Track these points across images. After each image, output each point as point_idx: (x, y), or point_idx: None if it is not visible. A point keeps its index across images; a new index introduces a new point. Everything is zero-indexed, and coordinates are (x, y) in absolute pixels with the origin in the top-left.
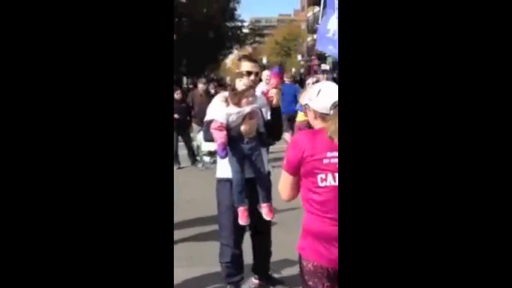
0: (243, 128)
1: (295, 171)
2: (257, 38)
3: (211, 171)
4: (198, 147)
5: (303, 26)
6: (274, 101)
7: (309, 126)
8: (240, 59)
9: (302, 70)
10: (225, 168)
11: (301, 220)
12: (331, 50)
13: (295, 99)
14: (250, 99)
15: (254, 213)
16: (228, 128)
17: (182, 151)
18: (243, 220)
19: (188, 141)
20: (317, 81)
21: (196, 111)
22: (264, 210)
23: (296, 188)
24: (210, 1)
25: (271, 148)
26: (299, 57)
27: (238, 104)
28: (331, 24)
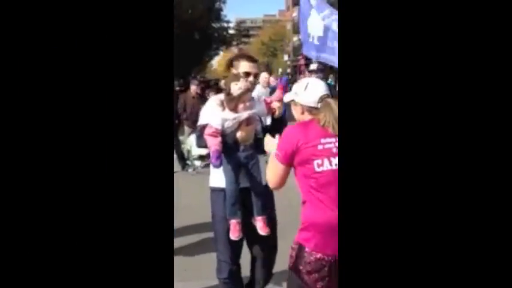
0: (239, 134)
1: (289, 161)
2: (243, 39)
3: (203, 175)
4: (189, 151)
5: (289, 26)
6: (277, 113)
7: None
8: (238, 59)
9: (289, 70)
10: (219, 177)
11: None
12: (314, 55)
13: None
14: (248, 104)
15: (249, 226)
16: (223, 134)
17: None
18: (234, 234)
19: (177, 145)
20: None
21: (188, 113)
22: (259, 224)
23: (285, 177)
24: (196, 2)
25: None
26: (285, 57)
27: (234, 109)
28: (311, 29)
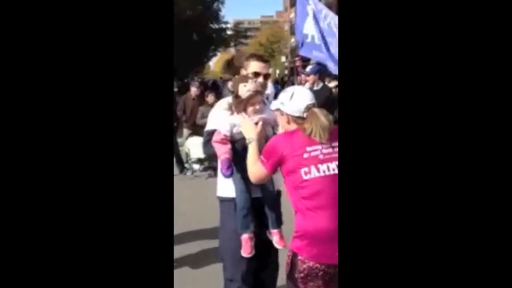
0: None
1: (273, 170)
2: (241, 40)
3: (201, 179)
4: (187, 154)
5: (286, 27)
6: None
7: None
8: (248, 58)
9: (286, 71)
10: (228, 185)
11: None
12: (317, 55)
13: None
14: (258, 107)
15: (259, 240)
16: (232, 140)
17: None
18: (246, 251)
19: (175, 148)
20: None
21: (188, 115)
22: (275, 238)
23: (267, 178)
24: (194, 2)
25: None
26: (283, 58)
27: (244, 113)
28: (307, 29)
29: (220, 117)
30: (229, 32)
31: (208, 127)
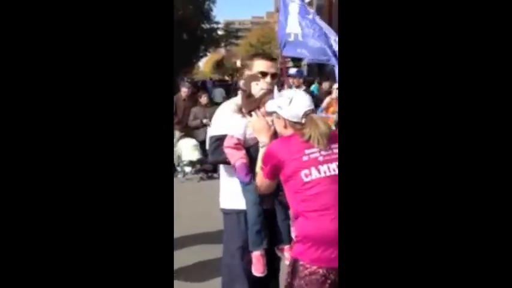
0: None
1: (273, 177)
2: (232, 40)
3: (193, 182)
4: (179, 156)
5: (277, 28)
6: None
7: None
8: (252, 57)
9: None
10: (233, 196)
11: None
12: (302, 52)
13: None
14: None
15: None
16: (245, 145)
17: None
18: (259, 270)
19: None
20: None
21: (179, 117)
22: (286, 254)
23: (272, 188)
24: (185, 2)
25: None
26: None
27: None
28: (290, 28)
29: (232, 121)
30: (220, 32)
31: (216, 132)
